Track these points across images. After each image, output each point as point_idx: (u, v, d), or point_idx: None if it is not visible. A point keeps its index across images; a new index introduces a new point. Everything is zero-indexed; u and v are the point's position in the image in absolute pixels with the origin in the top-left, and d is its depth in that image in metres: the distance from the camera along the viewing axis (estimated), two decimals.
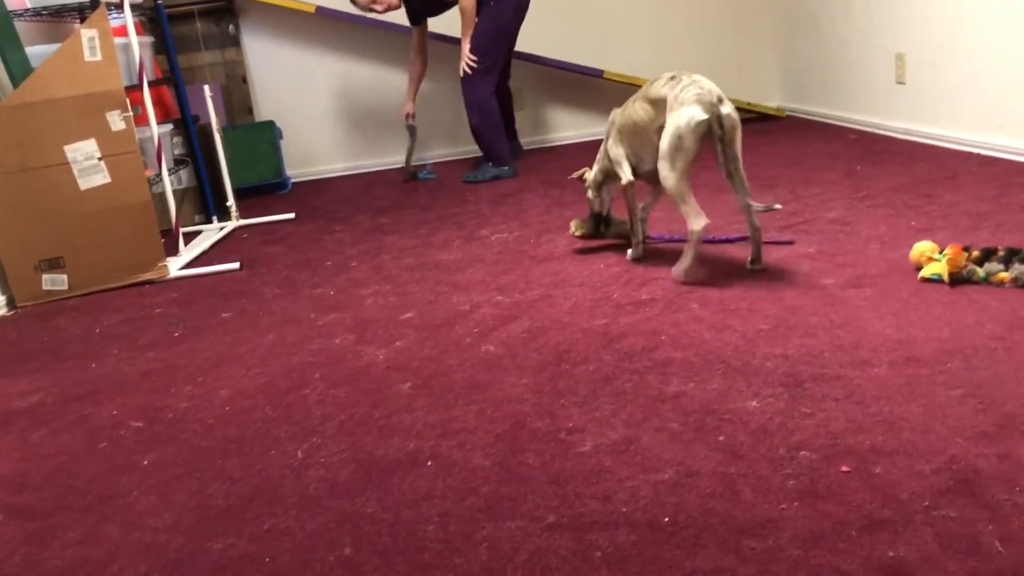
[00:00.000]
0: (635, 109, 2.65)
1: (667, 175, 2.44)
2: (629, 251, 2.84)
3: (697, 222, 2.44)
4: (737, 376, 1.89)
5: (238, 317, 2.73)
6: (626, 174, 2.72)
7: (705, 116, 2.36)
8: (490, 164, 4.46)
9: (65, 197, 3.13)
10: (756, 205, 2.51)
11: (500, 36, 4.37)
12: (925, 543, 1.28)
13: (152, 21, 4.48)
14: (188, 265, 3.39)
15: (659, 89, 2.53)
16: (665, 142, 2.43)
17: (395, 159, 5.15)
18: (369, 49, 5.12)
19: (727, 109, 2.41)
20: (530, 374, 2.04)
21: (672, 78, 2.50)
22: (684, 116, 2.39)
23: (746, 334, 2.11)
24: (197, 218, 4.30)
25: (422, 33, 4.60)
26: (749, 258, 2.60)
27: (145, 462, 1.85)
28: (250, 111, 5.11)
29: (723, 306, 2.31)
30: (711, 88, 2.43)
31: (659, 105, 2.52)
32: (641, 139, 2.64)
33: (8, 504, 1.74)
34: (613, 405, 1.83)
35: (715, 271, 2.59)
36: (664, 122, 2.48)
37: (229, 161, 4.17)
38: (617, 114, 2.78)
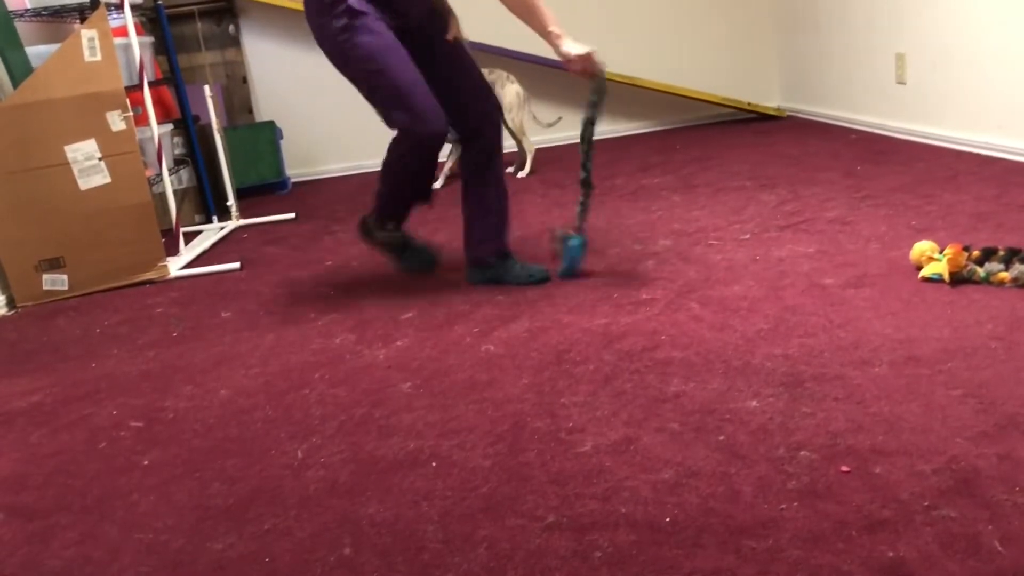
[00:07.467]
0: None
1: None
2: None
3: None
4: (737, 376, 1.89)
5: (238, 317, 2.73)
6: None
7: None
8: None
9: (65, 197, 3.12)
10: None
11: None
12: (925, 543, 1.28)
13: (152, 21, 4.48)
14: (188, 265, 3.39)
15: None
16: None
17: None
18: None
19: None
20: (530, 374, 2.03)
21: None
22: None
23: (746, 334, 2.11)
24: (197, 218, 4.31)
25: None
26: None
27: (145, 462, 1.85)
28: (250, 111, 5.11)
29: (723, 306, 2.31)
30: None
31: None
32: None
33: (8, 504, 1.74)
34: (613, 405, 1.83)
35: (713, 270, 2.60)
36: None
37: (229, 161, 4.17)
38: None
